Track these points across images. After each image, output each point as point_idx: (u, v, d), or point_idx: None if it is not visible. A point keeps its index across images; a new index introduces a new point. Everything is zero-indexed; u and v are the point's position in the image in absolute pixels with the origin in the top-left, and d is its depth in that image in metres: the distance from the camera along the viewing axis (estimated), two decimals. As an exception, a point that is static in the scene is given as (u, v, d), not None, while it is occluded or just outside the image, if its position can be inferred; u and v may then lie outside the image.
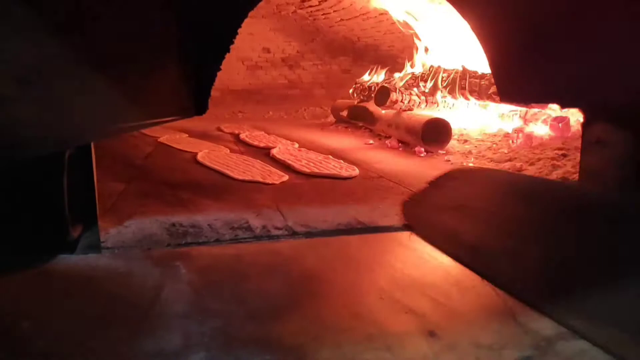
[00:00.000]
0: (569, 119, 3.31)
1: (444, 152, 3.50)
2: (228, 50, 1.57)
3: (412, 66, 4.66)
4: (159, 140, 4.26)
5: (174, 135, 4.60)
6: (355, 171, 2.82)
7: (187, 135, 4.65)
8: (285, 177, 2.70)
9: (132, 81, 1.17)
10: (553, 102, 2.51)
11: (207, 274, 1.34)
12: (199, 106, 1.58)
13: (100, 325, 1.07)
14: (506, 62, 2.21)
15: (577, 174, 2.47)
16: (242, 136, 4.35)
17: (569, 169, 2.63)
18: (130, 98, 1.13)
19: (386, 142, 3.97)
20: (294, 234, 1.75)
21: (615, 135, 2.14)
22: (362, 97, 4.88)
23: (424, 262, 1.47)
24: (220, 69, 1.64)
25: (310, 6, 6.07)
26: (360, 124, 4.79)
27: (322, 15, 6.32)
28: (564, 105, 2.51)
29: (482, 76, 3.84)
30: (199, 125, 5.54)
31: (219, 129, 5.06)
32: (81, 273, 1.33)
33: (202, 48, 1.54)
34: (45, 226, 1.37)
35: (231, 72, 7.46)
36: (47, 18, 0.86)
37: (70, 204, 1.38)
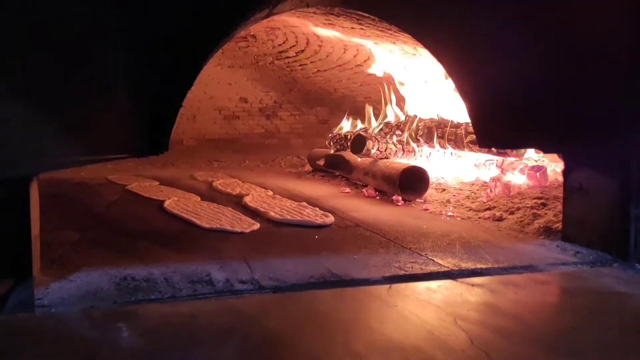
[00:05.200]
0: (546, 168, 3.27)
1: (422, 200, 3.40)
2: (189, 88, 1.45)
3: (385, 116, 4.65)
4: (127, 188, 4.05)
5: (143, 182, 4.38)
6: (330, 218, 2.67)
7: (158, 183, 4.44)
8: (257, 225, 2.53)
9: (69, 113, 1.03)
10: (533, 147, 2.46)
11: (153, 339, 1.14)
12: (155, 146, 1.44)
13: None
14: (485, 111, 2.16)
15: (560, 223, 2.38)
16: (216, 184, 4.17)
17: (550, 217, 2.54)
18: (65, 131, 0.99)
19: (363, 190, 3.86)
20: (260, 288, 1.57)
21: (599, 182, 2.07)
22: (338, 146, 4.82)
23: (405, 320, 1.31)
24: (182, 106, 1.51)
25: (287, 57, 6.12)
26: (337, 173, 4.70)
27: (299, 66, 6.37)
28: (545, 150, 2.46)
29: (458, 125, 3.83)
30: (173, 173, 5.36)
31: (193, 177, 4.88)
32: (-1, 338, 1.12)
33: (158, 85, 1.41)
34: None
35: (208, 121, 7.39)
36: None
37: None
